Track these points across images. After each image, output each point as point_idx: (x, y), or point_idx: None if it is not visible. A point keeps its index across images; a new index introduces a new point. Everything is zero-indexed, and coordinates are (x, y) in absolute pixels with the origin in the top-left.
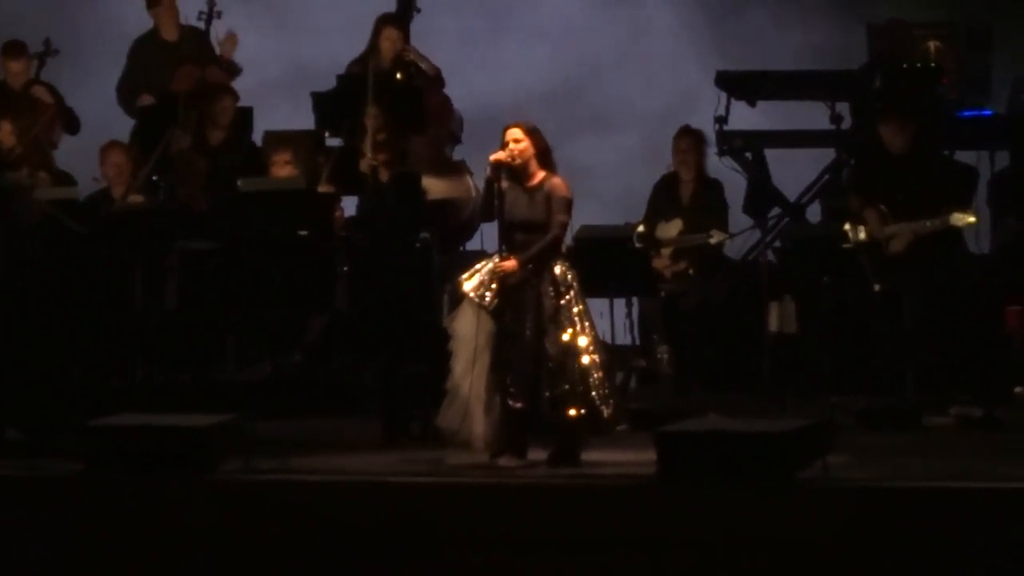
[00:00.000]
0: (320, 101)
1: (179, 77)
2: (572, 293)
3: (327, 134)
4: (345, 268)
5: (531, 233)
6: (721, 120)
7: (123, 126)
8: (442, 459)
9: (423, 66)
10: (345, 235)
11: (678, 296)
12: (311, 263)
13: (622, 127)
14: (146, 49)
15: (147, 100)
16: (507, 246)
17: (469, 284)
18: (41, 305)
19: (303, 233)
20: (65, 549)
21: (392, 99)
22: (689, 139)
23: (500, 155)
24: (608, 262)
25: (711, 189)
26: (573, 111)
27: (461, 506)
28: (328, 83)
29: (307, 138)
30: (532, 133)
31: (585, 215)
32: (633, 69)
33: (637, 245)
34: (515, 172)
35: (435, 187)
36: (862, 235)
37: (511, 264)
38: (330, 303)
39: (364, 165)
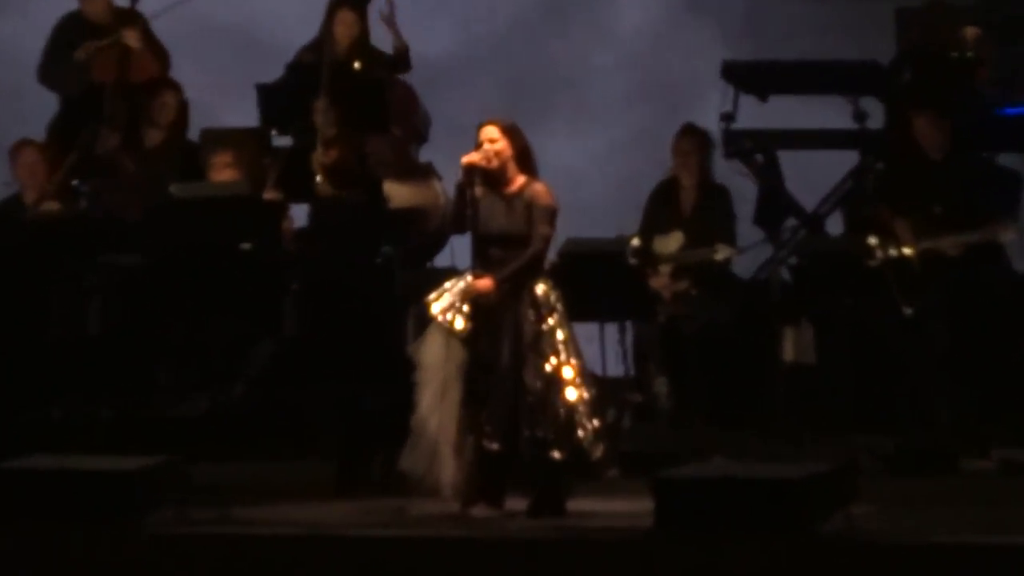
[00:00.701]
0: (266, 94)
1: (100, 63)
2: (556, 316)
3: (274, 132)
4: (295, 286)
5: (509, 247)
6: (728, 117)
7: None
8: (406, 508)
9: (393, 40)
10: (295, 248)
11: (679, 320)
12: (256, 281)
13: (609, 122)
14: (72, 28)
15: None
16: (481, 262)
17: (437, 306)
18: None
19: (246, 246)
20: None
21: (348, 92)
22: (691, 139)
23: (473, 157)
24: (598, 281)
25: (716, 197)
26: (550, 102)
27: (428, 563)
28: (276, 73)
29: (251, 137)
30: (510, 132)
31: (570, 226)
32: (623, 56)
33: (631, 261)
34: (491, 177)
35: (398, 193)
36: (891, 250)
37: (486, 283)
38: (277, 327)
39: (316, 167)
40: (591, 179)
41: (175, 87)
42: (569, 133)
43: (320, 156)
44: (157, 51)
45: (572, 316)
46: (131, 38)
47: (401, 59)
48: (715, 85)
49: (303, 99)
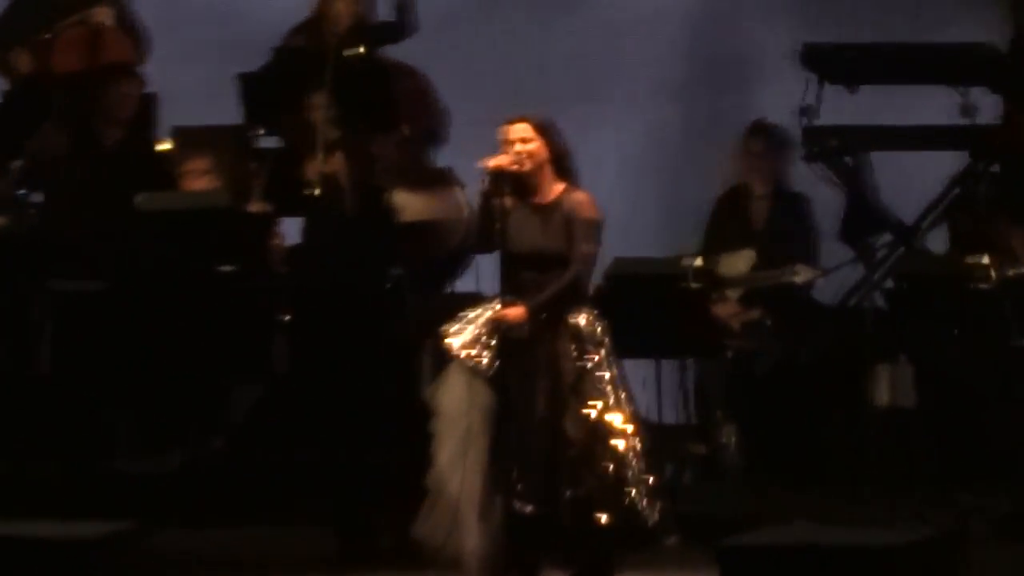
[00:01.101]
0: (250, 86)
1: (63, 46)
2: (602, 352)
3: (260, 132)
4: (286, 318)
5: (545, 269)
6: (809, 112)
7: None
8: None
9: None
10: (286, 272)
11: (750, 356)
12: (239, 310)
13: (658, 117)
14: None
15: None
16: (511, 287)
17: (459, 340)
18: None
19: (227, 269)
20: None
21: (350, 83)
22: (763, 139)
23: (500, 160)
24: (652, 309)
25: (795, 207)
26: (583, 92)
27: None
28: (261, 59)
29: (232, 137)
30: (545, 130)
31: (617, 243)
32: (667, 35)
33: (693, 285)
34: (522, 184)
35: (411, 204)
36: (1007, 271)
37: (517, 312)
38: (265, 366)
39: (312, 174)
40: (641, 186)
41: (135, 76)
42: (609, 130)
43: (318, 163)
44: (134, 33)
45: (621, 352)
46: (103, 15)
47: (405, 16)
48: (792, 73)
49: (294, 91)
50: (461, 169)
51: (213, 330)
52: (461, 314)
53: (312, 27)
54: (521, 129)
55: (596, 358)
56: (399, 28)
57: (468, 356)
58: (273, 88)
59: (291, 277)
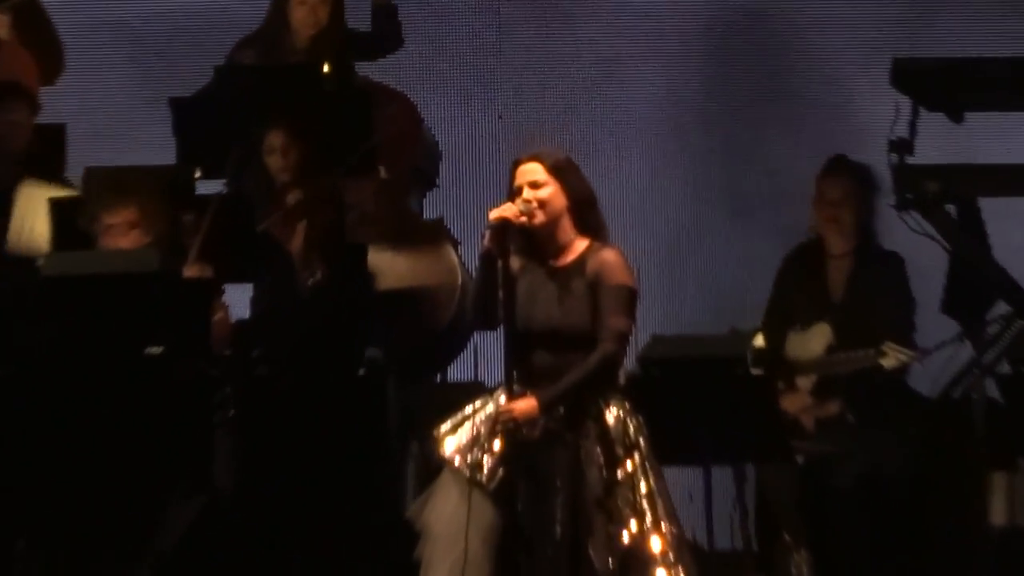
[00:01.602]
0: (185, 115)
1: None
2: (637, 458)
3: (198, 173)
4: (231, 413)
5: (563, 350)
6: (902, 147)
7: None
8: None
9: None
10: (231, 355)
11: (827, 463)
12: (171, 405)
13: (705, 155)
14: None
15: None
16: (521, 373)
17: (453, 442)
18: None
19: (154, 351)
20: None
21: (315, 111)
22: (843, 180)
23: (505, 210)
24: (700, 403)
25: (884, 270)
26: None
27: None
28: (204, 80)
29: (164, 181)
30: (563, 172)
31: (656, 317)
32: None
33: (753, 371)
34: (535, 241)
35: (392, 267)
36: None
37: (527, 408)
38: (205, 477)
39: (269, 230)
40: (683, 242)
41: (28, 98)
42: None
43: (273, 217)
44: (42, 45)
45: (662, 457)
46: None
47: (386, 24)
48: (879, 96)
49: (241, 122)
50: (456, 221)
51: (137, 431)
52: (457, 411)
53: (267, 39)
54: (532, 171)
55: (629, 466)
56: (378, 40)
57: (464, 464)
58: (216, 118)
59: (237, 362)
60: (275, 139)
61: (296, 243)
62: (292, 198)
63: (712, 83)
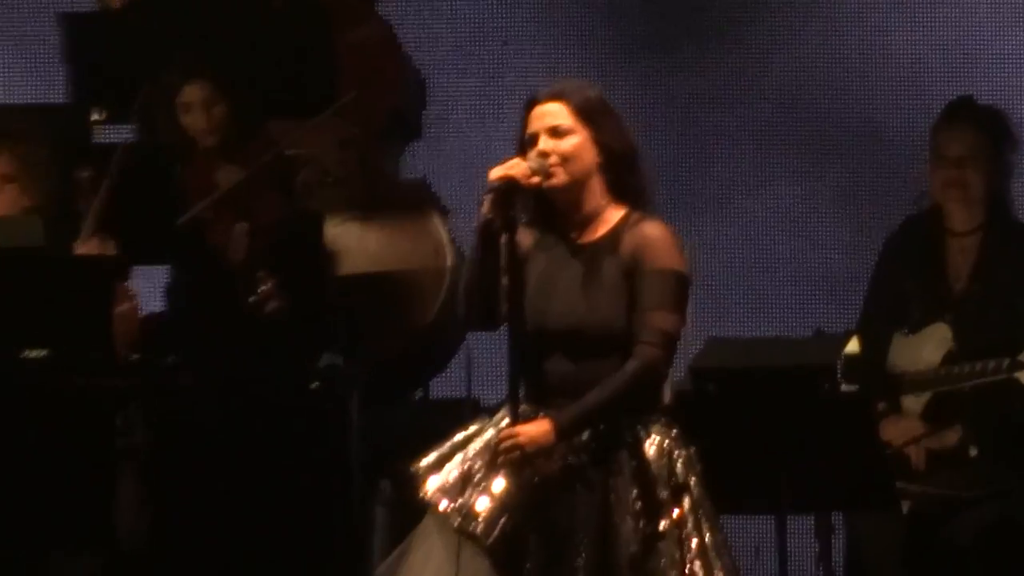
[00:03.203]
0: (81, 35)
1: None
2: (686, 504)
3: (99, 117)
4: (139, 439)
5: (588, 355)
6: None
7: None
8: None
9: None
10: (140, 360)
11: (941, 510)
12: (58, 429)
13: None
14: None
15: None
16: (531, 387)
17: (436, 480)
18: None
19: (37, 355)
20: None
21: (258, 37)
22: (970, 132)
23: (515, 167)
24: (772, 429)
25: (1021, 251)
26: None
27: None
28: None
29: (51, 125)
30: (595, 116)
31: (713, 314)
32: None
33: (844, 387)
34: (552, 209)
35: (362, 245)
36: None
37: (538, 435)
38: (102, 528)
39: (187, 191)
40: (763, 219)
41: None
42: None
43: (199, 206)
44: None
45: (720, 503)
46: None
47: None
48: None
49: (151, 48)
50: (445, 182)
51: (15, 463)
52: (444, 437)
53: None
54: (552, 113)
55: (676, 514)
56: None
57: (453, 509)
58: (123, 40)
59: (148, 370)
60: (193, 93)
61: (236, 253)
62: (225, 178)
63: None
